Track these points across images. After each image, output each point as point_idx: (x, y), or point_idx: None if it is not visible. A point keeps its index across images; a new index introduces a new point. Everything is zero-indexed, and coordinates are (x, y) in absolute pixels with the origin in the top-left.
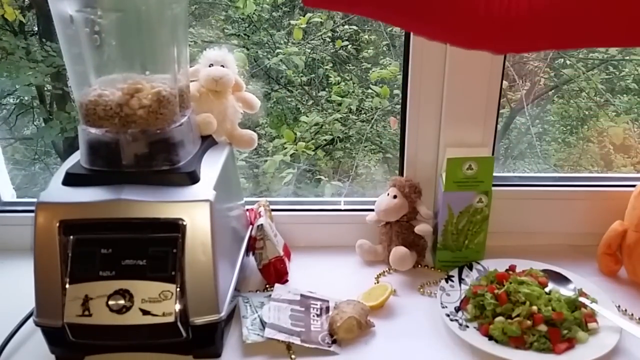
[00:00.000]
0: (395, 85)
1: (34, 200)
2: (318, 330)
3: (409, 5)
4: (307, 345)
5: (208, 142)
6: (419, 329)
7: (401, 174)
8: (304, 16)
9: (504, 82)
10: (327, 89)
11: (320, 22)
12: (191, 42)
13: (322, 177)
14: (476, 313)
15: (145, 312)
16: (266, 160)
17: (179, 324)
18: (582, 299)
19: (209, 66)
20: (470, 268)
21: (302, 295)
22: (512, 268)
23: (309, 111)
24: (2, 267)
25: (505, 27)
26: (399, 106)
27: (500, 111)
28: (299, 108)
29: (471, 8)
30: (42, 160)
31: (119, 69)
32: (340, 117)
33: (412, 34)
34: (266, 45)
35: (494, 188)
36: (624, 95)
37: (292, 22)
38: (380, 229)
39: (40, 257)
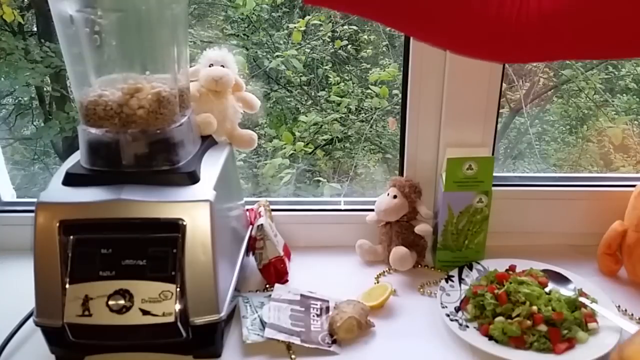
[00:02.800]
0: (395, 86)
1: (34, 200)
2: (318, 330)
3: (413, 9)
4: (307, 345)
5: (208, 142)
6: (419, 329)
7: (401, 174)
8: (303, 18)
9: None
10: (326, 89)
11: (320, 23)
12: (191, 42)
13: (321, 178)
14: (476, 313)
15: (145, 312)
16: (266, 164)
17: (179, 324)
18: (582, 299)
19: (209, 66)
20: (470, 268)
21: (302, 295)
22: (512, 268)
23: (308, 111)
24: (2, 267)
25: (514, 34)
26: (398, 106)
27: (500, 111)
28: (298, 108)
29: (480, 15)
30: (41, 160)
31: (119, 69)
32: (340, 117)
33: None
34: (265, 45)
35: (494, 188)
36: (624, 95)
37: (290, 25)
38: (380, 229)
39: (40, 257)
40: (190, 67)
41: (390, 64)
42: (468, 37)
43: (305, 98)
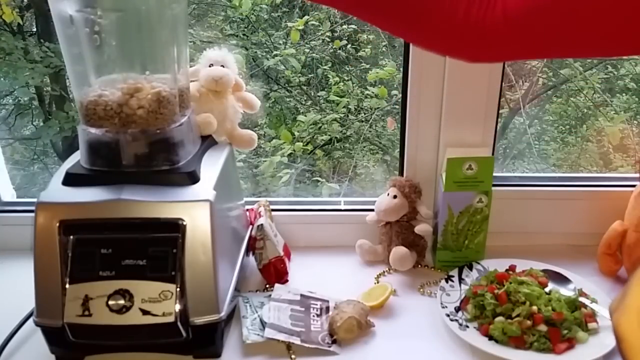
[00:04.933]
0: (395, 86)
1: (34, 200)
2: (318, 330)
3: (385, 7)
4: (307, 345)
5: (208, 142)
6: (419, 329)
7: (401, 174)
8: (302, 18)
9: None
10: (326, 89)
11: (319, 24)
12: (191, 42)
13: (319, 179)
14: (476, 313)
15: (145, 312)
16: (264, 161)
17: (179, 324)
18: (582, 299)
19: (209, 66)
20: (470, 268)
21: (302, 295)
22: (512, 268)
23: (307, 111)
24: (2, 267)
25: (480, 35)
26: (397, 106)
27: (500, 111)
28: (297, 108)
29: (449, 14)
30: (41, 160)
31: (119, 69)
32: (339, 117)
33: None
34: (265, 45)
35: (494, 188)
36: (623, 94)
37: (289, 24)
38: (380, 229)
39: (40, 257)
40: (190, 67)
41: (387, 64)
42: (436, 36)
43: (305, 98)
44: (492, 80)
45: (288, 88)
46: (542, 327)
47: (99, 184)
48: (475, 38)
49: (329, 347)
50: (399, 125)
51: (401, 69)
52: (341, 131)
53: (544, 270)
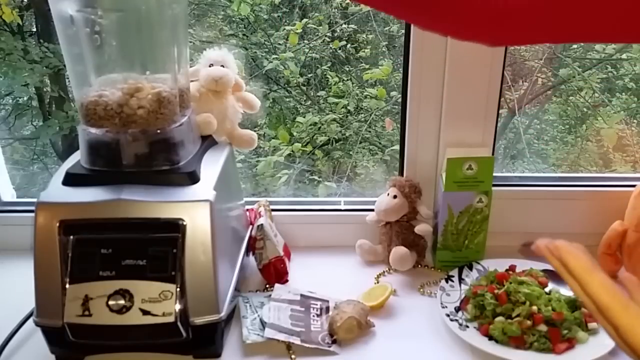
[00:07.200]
0: (393, 86)
1: (34, 200)
2: (318, 330)
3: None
4: (307, 345)
5: (208, 142)
6: (419, 329)
7: (401, 174)
8: (301, 19)
9: None
10: (325, 89)
11: (317, 28)
12: (191, 42)
13: (316, 178)
14: (476, 313)
15: (145, 312)
16: (260, 161)
17: (179, 324)
18: None
19: (209, 66)
20: (470, 268)
21: (302, 295)
22: (512, 268)
23: (307, 111)
24: (2, 267)
25: (501, 17)
26: (397, 106)
27: (499, 111)
28: (297, 108)
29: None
30: (41, 160)
31: (119, 69)
32: (338, 118)
33: (411, 29)
34: (264, 45)
35: (494, 188)
36: (622, 94)
37: (287, 27)
38: (380, 229)
39: (40, 257)
40: (190, 67)
41: (385, 63)
42: (454, 19)
43: (304, 98)
44: (492, 80)
45: (287, 88)
46: (542, 327)
47: (99, 184)
48: (495, 21)
49: (329, 347)
50: (399, 126)
51: (398, 69)
52: (340, 131)
53: (544, 270)
